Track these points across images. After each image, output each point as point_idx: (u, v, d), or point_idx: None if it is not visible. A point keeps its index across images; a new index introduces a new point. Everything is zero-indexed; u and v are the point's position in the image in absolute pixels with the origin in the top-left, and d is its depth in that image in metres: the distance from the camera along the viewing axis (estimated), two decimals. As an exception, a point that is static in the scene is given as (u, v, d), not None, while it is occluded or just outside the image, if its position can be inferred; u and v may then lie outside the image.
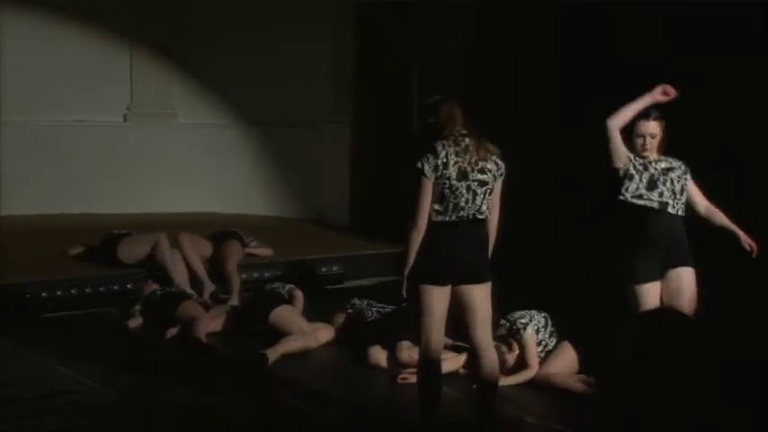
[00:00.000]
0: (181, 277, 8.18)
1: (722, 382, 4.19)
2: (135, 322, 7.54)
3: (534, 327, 6.68)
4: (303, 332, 7.14)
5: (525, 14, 9.20)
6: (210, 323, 7.38)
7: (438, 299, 5.05)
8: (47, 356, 6.69)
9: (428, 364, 5.14)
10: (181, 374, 6.38)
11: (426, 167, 4.98)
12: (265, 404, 6.03)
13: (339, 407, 5.95)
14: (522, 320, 6.67)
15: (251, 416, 5.80)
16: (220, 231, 8.92)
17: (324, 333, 7.31)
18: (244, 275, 8.45)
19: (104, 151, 11.05)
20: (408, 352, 6.63)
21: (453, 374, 6.27)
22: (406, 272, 5.08)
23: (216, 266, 8.46)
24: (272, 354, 6.70)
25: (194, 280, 8.28)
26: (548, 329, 6.74)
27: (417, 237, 5.02)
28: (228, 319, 7.54)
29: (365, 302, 7.44)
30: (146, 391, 6.05)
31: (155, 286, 7.84)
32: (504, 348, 6.47)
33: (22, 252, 8.54)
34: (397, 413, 5.87)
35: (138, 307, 7.62)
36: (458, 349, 6.76)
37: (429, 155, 4.99)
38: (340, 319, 7.46)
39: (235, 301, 8.09)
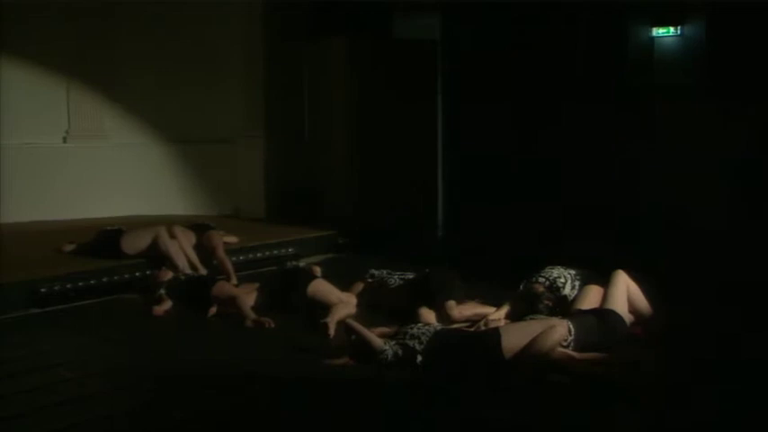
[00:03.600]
0: (183, 263, 8.59)
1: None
2: (165, 305, 7.65)
3: (570, 285, 6.79)
4: (343, 301, 7.35)
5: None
6: (247, 300, 7.44)
7: None
8: (54, 349, 6.67)
9: None
10: (185, 374, 6.15)
11: None
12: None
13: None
14: (561, 280, 6.78)
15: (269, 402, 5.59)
16: (197, 223, 9.36)
17: (354, 301, 7.49)
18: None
19: (48, 168, 11.56)
20: (458, 309, 6.96)
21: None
22: None
23: (200, 253, 8.86)
24: (331, 323, 6.87)
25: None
26: (576, 284, 6.82)
27: None
28: (259, 296, 7.59)
29: (384, 272, 7.67)
30: (150, 387, 5.90)
31: (170, 273, 8.10)
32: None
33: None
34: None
35: (162, 291, 7.73)
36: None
37: None
38: (359, 288, 7.66)
39: (235, 281, 8.36)
